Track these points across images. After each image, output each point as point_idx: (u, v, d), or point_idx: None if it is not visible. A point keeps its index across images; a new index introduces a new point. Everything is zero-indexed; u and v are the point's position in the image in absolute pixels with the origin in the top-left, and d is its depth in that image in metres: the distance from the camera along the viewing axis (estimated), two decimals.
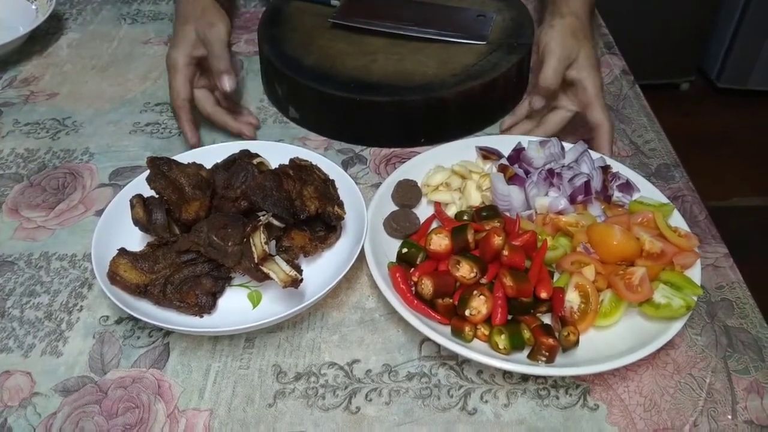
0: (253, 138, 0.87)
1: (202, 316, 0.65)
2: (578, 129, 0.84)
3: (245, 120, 0.89)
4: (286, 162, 0.73)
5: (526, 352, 0.60)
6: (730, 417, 0.58)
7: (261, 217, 0.65)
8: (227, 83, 0.83)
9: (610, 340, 0.62)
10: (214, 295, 0.66)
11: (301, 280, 0.62)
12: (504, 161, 0.78)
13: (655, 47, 2.36)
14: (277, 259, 0.63)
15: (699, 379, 0.61)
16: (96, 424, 0.58)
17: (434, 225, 0.74)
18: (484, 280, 0.64)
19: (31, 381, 0.62)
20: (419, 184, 0.77)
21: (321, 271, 0.69)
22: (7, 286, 0.71)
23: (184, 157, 0.74)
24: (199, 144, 0.85)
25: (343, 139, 0.89)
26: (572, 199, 0.73)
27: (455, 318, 0.62)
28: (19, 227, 0.78)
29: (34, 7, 1.13)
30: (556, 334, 0.61)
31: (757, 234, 2.03)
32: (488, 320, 0.62)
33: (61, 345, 0.65)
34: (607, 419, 0.58)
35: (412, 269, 0.66)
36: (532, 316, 0.63)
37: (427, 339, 0.61)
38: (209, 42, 0.83)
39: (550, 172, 0.74)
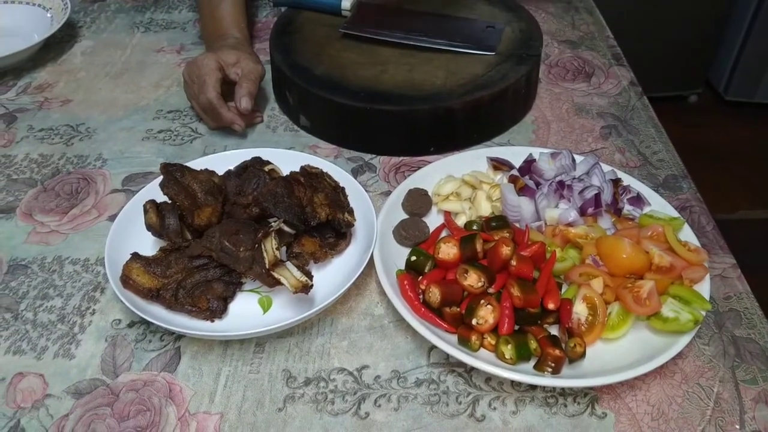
0: (243, 131, 0.91)
1: (213, 321, 0.65)
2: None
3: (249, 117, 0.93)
4: (297, 169, 0.74)
5: (532, 362, 0.61)
6: (738, 427, 0.58)
7: (272, 224, 0.66)
8: (244, 103, 0.89)
9: (618, 352, 0.62)
10: (225, 300, 0.67)
11: (312, 285, 0.63)
12: (515, 172, 0.79)
13: (663, 60, 2.37)
14: (288, 264, 0.64)
15: (707, 388, 0.61)
16: (107, 426, 0.59)
17: (443, 234, 0.74)
18: (491, 290, 0.64)
19: (43, 383, 0.63)
20: (430, 193, 0.77)
21: (331, 277, 0.70)
22: (20, 289, 0.72)
23: (197, 164, 0.75)
24: (245, 127, 0.91)
25: (353, 147, 0.90)
26: (582, 212, 0.73)
27: (462, 327, 0.62)
28: (33, 231, 0.79)
29: (48, 15, 1.15)
30: (563, 345, 0.61)
31: (763, 247, 2.02)
32: (495, 330, 0.62)
33: (73, 348, 0.66)
34: (615, 428, 0.58)
35: (421, 277, 0.67)
36: (539, 326, 0.63)
37: (435, 346, 0.61)
38: (250, 71, 0.91)
39: (561, 184, 0.75)
